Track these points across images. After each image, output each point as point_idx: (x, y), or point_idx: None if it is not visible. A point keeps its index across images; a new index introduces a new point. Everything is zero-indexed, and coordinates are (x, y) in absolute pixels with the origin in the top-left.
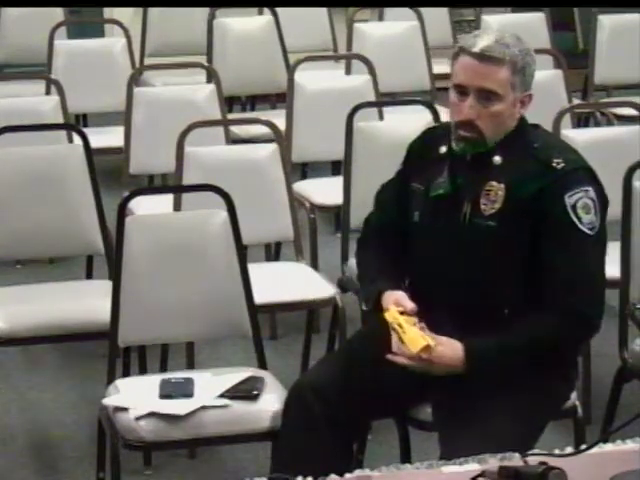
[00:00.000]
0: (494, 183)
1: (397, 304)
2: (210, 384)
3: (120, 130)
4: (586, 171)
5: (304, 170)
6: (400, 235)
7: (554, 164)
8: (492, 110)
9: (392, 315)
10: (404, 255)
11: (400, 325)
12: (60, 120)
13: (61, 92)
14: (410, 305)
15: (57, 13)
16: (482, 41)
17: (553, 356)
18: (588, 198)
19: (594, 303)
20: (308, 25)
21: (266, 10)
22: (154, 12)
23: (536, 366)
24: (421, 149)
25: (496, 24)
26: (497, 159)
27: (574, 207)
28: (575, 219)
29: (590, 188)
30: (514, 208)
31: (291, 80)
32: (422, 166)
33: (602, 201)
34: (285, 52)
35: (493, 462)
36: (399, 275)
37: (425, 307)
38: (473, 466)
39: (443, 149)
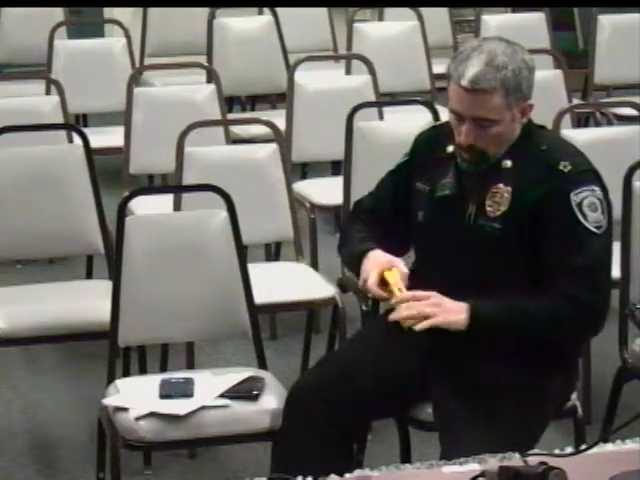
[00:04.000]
0: (500, 185)
1: (390, 264)
2: (210, 384)
3: (120, 130)
4: (593, 173)
5: (304, 170)
6: (385, 224)
7: (561, 167)
8: (490, 133)
9: (395, 277)
10: (388, 239)
11: (400, 290)
12: (60, 120)
13: (61, 92)
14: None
15: (57, 13)
16: (470, 70)
17: (555, 342)
18: (595, 197)
19: (596, 290)
20: (308, 25)
21: (266, 10)
22: (154, 12)
23: (533, 355)
24: (428, 145)
25: (496, 24)
26: (507, 163)
27: (580, 205)
28: (580, 216)
29: (597, 188)
30: (520, 211)
31: (291, 80)
32: (428, 164)
33: (608, 204)
34: (285, 52)
35: (493, 462)
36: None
37: None
38: (473, 466)
39: (450, 148)
